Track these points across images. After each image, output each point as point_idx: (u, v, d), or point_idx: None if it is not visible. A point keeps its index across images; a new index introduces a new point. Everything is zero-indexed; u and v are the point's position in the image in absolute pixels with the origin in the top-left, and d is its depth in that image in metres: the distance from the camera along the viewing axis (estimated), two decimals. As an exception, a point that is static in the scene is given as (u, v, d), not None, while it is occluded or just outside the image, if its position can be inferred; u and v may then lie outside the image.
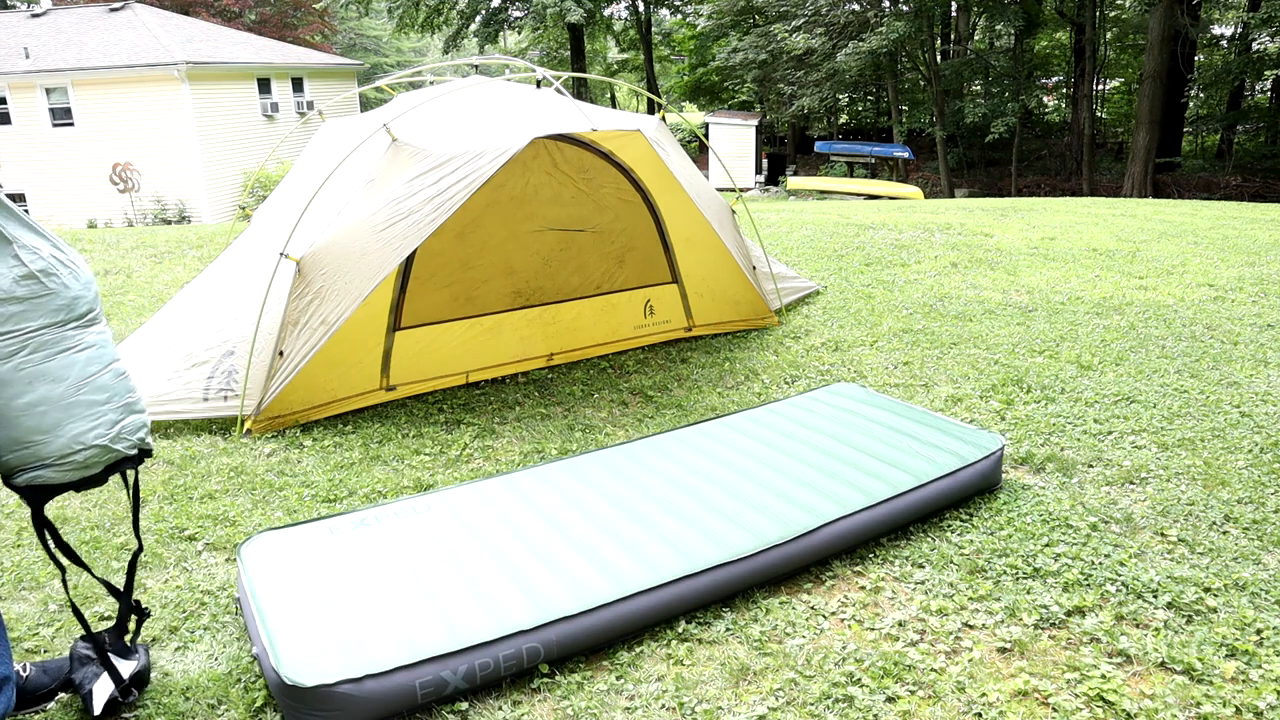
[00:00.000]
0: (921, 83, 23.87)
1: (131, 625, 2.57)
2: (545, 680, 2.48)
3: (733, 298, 5.70)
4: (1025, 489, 3.53)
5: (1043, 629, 2.66)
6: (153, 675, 2.50)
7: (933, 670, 2.48)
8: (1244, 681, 2.41)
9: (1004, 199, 15.01)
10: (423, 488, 3.67)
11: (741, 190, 19.16)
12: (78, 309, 2.03)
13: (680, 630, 2.67)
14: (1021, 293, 6.59)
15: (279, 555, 2.80)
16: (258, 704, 2.39)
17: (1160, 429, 4.08)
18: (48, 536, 2.18)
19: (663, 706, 2.37)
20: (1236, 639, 2.58)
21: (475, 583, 2.65)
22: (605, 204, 5.21)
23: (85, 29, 21.48)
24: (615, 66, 36.78)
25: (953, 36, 25.60)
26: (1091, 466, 3.73)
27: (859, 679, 2.45)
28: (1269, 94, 23.96)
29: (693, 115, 32.45)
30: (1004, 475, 3.64)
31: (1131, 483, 3.58)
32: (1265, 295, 6.40)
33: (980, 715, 2.32)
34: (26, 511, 3.33)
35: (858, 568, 3.01)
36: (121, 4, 22.85)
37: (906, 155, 22.41)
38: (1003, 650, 2.57)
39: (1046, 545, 3.10)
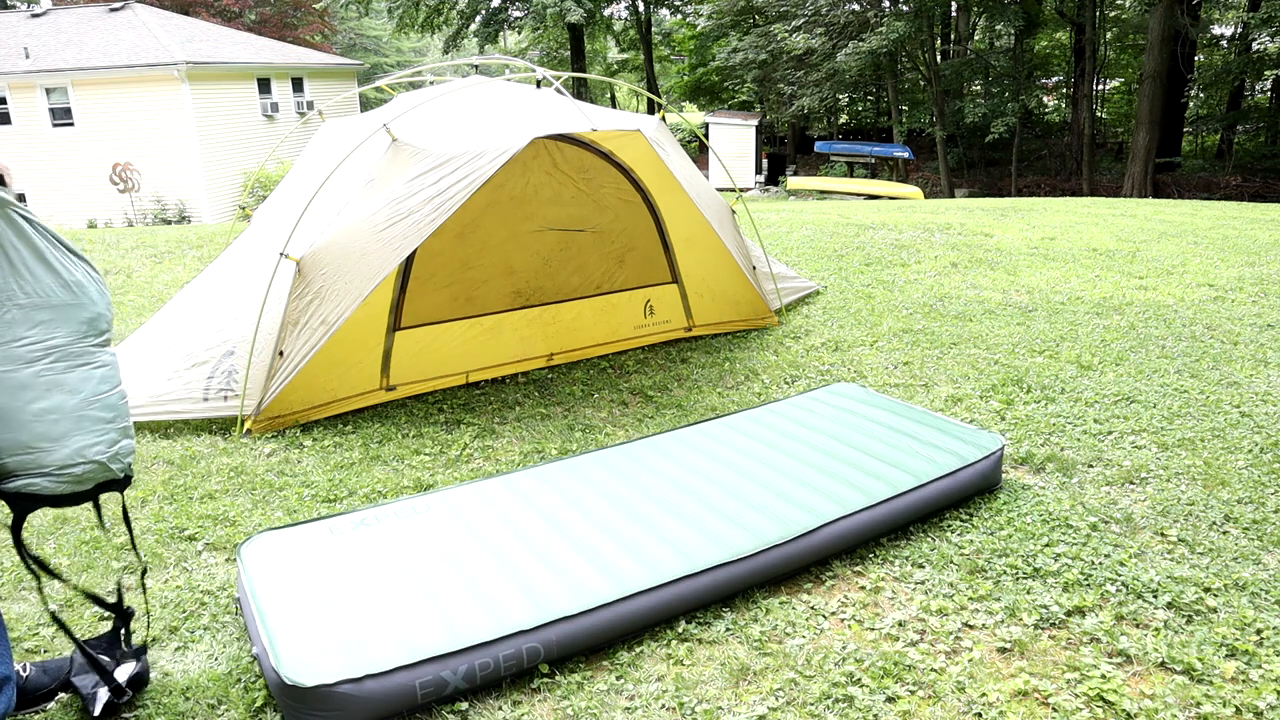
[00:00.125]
0: (921, 83, 23.87)
1: (132, 626, 2.57)
2: (545, 680, 2.48)
3: (733, 298, 5.70)
4: (1025, 489, 3.53)
5: (1043, 629, 2.66)
6: (153, 675, 2.50)
7: (933, 670, 2.48)
8: (1244, 681, 2.41)
9: (1004, 199, 15.01)
10: (423, 488, 3.67)
11: (741, 190, 19.16)
12: (99, 325, 2.11)
13: (680, 630, 2.67)
14: (1021, 293, 6.59)
15: (279, 555, 2.80)
16: (258, 704, 2.39)
17: (1160, 429, 4.08)
18: (22, 547, 2.20)
19: (663, 706, 2.37)
20: (1236, 639, 2.58)
21: (475, 583, 2.65)
22: (605, 204, 5.21)
23: (85, 29, 21.47)
24: (615, 66, 36.78)
25: (953, 36, 25.60)
26: (1091, 466, 3.73)
27: (859, 679, 2.45)
28: (1269, 94, 23.97)
29: (693, 115, 32.46)
30: (1004, 475, 3.64)
31: (1131, 483, 3.58)
32: (1265, 295, 6.40)
33: (980, 715, 2.32)
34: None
35: (858, 568, 3.01)
36: (121, 4, 22.85)
37: (906, 155, 22.41)
38: (1003, 650, 2.57)
39: (1046, 545, 3.10)
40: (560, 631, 2.49)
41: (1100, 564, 2.98)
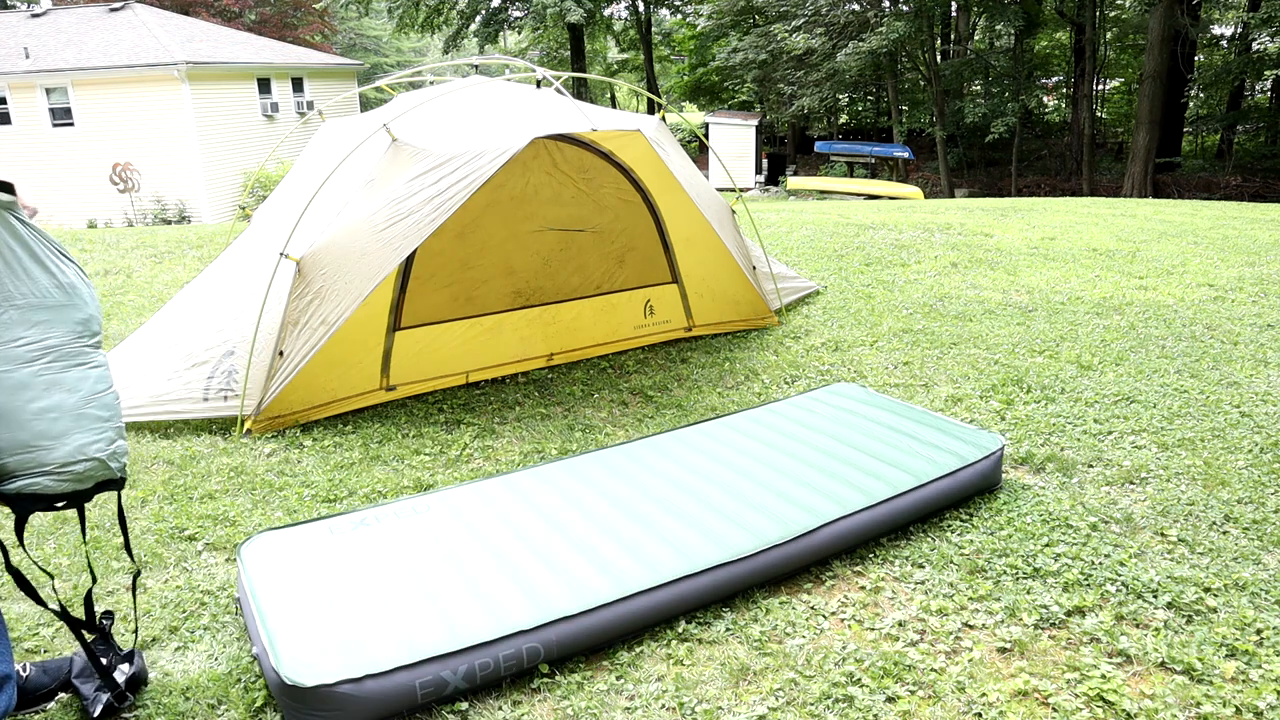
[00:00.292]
0: (921, 83, 23.87)
1: (127, 628, 2.57)
2: (545, 680, 2.48)
3: (733, 298, 5.70)
4: (1025, 489, 3.53)
5: (1043, 629, 2.66)
6: (153, 675, 2.50)
7: (933, 670, 2.48)
8: (1244, 681, 2.41)
9: (1004, 199, 15.01)
10: (423, 488, 3.67)
11: (741, 190, 19.16)
12: (92, 326, 2.14)
13: (680, 630, 2.67)
14: (1021, 293, 6.59)
15: (279, 555, 2.80)
16: (258, 704, 2.39)
17: (1160, 429, 4.08)
18: (25, 548, 2.22)
19: (663, 706, 2.37)
20: (1236, 639, 2.58)
21: (475, 583, 2.65)
22: (605, 204, 5.21)
23: (85, 29, 21.47)
24: (615, 66, 36.78)
25: (953, 36, 25.59)
26: (1091, 466, 3.73)
27: (859, 679, 2.45)
28: (1269, 94, 23.96)
29: (693, 115, 32.45)
30: (1004, 475, 3.64)
31: (1131, 483, 3.58)
32: (1265, 295, 6.40)
33: (980, 715, 2.32)
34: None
35: (858, 568, 3.01)
36: (121, 4, 22.84)
37: (906, 155, 22.40)
38: (1003, 650, 2.57)
39: (1046, 545, 3.10)
40: (560, 631, 2.49)
41: (1100, 564, 2.98)
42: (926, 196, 19.56)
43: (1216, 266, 7.38)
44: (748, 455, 3.52)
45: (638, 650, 2.59)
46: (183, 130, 19.99)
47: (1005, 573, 2.95)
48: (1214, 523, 3.25)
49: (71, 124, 20.05)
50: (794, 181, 22.22)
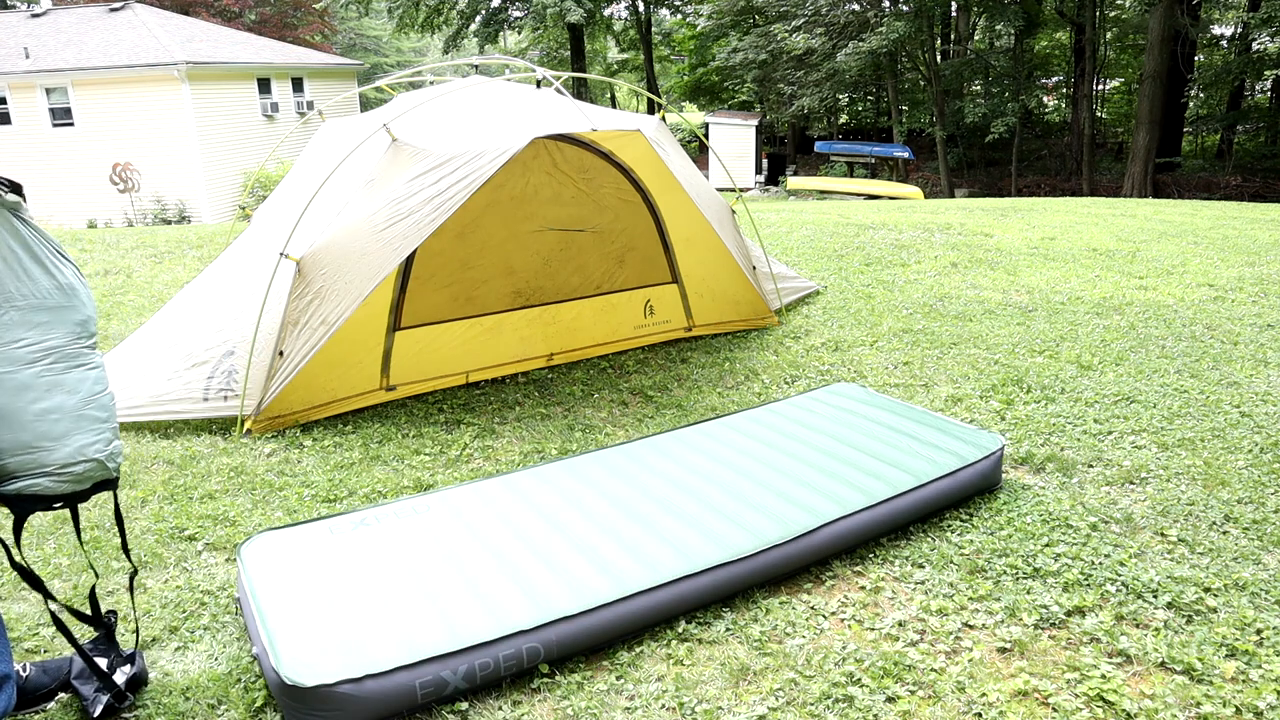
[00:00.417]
0: (921, 83, 23.86)
1: (127, 629, 2.57)
2: (545, 680, 2.48)
3: (733, 298, 5.70)
4: (1025, 489, 3.53)
5: (1043, 629, 2.66)
6: (153, 675, 2.50)
7: (933, 670, 2.48)
8: (1244, 681, 2.41)
9: (1004, 199, 15.01)
10: (423, 488, 3.67)
11: (741, 190, 19.16)
12: (89, 328, 2.15)
13: (680, 630, 2.67)
14: (1021, 293, 6.59)
15: (279, 555, 2.80)
16: (258, 704, 2.39)
17: (1160, 429, 4.08)
18: (21, 549, 2.22)
19: (663, 706, 2.37)
20: (1236, 639, 2.58)
21: (475, 583, 2.65)
22: (605, 204, 5.21)
23: (85, 29, 21.47)
24: (615, 66, 36.78)
25: (953, 36, 25.59)
26: (1091, 466, 3.73)
27: (859, 679, 2.45)
28: (1269, 94, 23.96)
29: (693, 115, 32.45)
30: (1004, 475, 3.64)
31: (1131, 483, 3.58)
32: (1265, 295, 6.40)
33: (980, 715, 2.32)
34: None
35: (858, 568, 3.01)
36: (121, 4, 22.84)
37: (906, 155, 22.40)
38: (1003, 650, 2.57)
39: (1046, 545, 3.10)
40: (560, 631, 2.49)
41: (1100, 564, 2.98)
42: (926, 196, 19.56)
43: (1216, 266, 7.38)
44: (748, 455, 3.52)
45: (638, 650, 2.59)
46: (183, 130, 19.99)
47: (1005, 573, 2.95)
48: (1214, 523, 3.25)
49: (71, 124, 20.05)
50: (794, 181, 22.22)
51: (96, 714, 2.29)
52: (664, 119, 5.28)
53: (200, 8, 30.72)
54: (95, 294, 6.94)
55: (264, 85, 22.68)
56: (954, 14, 24.27)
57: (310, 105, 24.31)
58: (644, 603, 2.62)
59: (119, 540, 3.22)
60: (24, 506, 2.09)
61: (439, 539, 2.91)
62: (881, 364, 5.11)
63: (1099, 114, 24.82)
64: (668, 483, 3.29)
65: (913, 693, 2.40)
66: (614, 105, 37.84)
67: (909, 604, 2.80)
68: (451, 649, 2.36)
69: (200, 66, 19.88)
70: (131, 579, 2.52)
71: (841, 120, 28.87)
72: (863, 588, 2.89)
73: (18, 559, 2.27)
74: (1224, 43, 23.04)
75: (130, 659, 2.42)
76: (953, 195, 21.46)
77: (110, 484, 2.19)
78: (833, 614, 2.76)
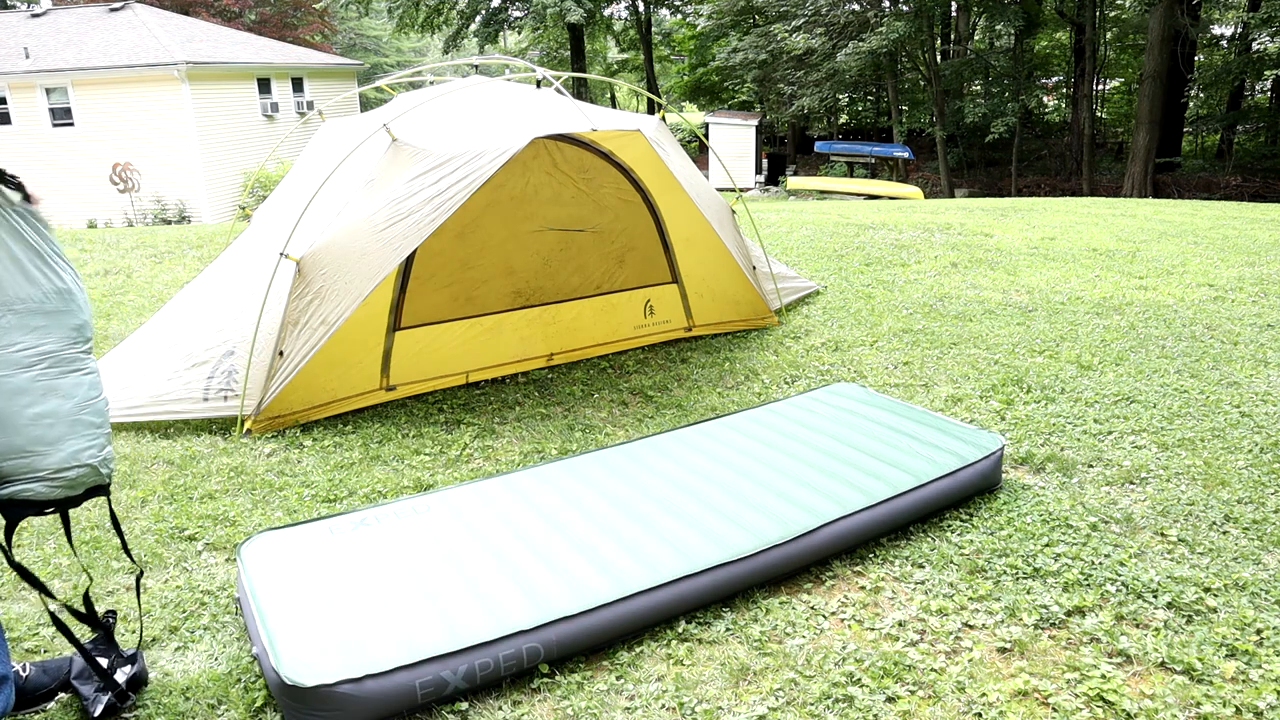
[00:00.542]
0: (921, 83, 23.86)
1: (130, 628, 2.56)
2: (545, 680, 2.48)
3: (733, 298, 5.70)
4: (1025, 489, 3.53)
5: (1043, 629, 2.66)
6: (153, 675, 2.50)
7: (933, 670, 2.48)
8: (1244, 681, 2.41)
9: (1004, 199, 15.01)
10: (423, 488, 3.67)
11: (741, 190, 19.15)
12: (85, 333, 2.14)
13: (680, 630, 2.67)
14: (1021, 293, 6.59)
15: (279, 555, 2.80)
16: (258, 704, 2.39)
17: (1160, 429, 4.08)
18: (11, 552, 2.21)
19: (663, 706, 2.37)
20: (1236, 639, 2.58)
21: (475, 583, 2.65)
22: (605, 204, 5.21)
23: (85, 29, 21.46)
24: (615, 66, 36.78)
25: (953, 36, 25.59)
26: (1091, 466, 3.73)
27: (859, 679, 2.45)
28: (1269, 94, 23.96)
29: (693, 115, 32.45)
30: (1004, 475, 3.64)
31: (1131, 483, 3.58)
32: (1265, 295, 6.40)
33: (980, 715, 2.32)
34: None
35: (858, 568, 3.01)
36: (121, 4, 22.84)
37: (906, 155, 22.40)
38: (1003, 650, 2.57)
39: (1046, 545, 3.10)
40: (560, 631, 2.49)
41: (1100, 564, 2.98)
42: (926, 196, 19.56)
43: (1216, 266, 7.38)
44: (748, 455, 3.52)
45: (638, 650, 2.59)
46: (183, 130, 19.98)
47: (1005, 573, 2.95)
48: (1214, 523, 3.25)
49: (71, 124, 20.05)
50: (794, 181, 22.21)
51: (97, 714, 2.29)
52: (664, 119, 5.28)
53: (200, 8, 30.71)
54: (95, 294, 6.94)
55: (264, 85, 22.68)
56: (954, 14, 24.26)
57: (310, 105, 24.31)
58: (644, 603, 2.62)
59: (118, 541, 3.22)
60: (15, 511, 2.08)
61: (439, 539, 2.91)
62: (881, 364, 5.11)
63: (1099, 114, 24.82)
64: (668, 483, 3.29)
65: (913, 693, 2.40)
66: (614, 105, 37.84)
67: (909, 604, 2.80)
68: (451, 649, 2.36)
69: (200, 66, 19.88)
70: (138, 580, 2.52)
71: (841, 120, 28.87)
72: (863, 588, 2.89)
73: (15, 560, 2.26)
74: (1224, 43, 23.04)
75: (131, 659, 2.42)
76: (953, 195, 21.46)
77: (102, 489, 2.18)
78: (833, 614, 2.76)
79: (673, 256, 5.49)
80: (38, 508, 2.09)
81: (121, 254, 8.68)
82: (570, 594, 2.59)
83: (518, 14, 30.01)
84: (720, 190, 6.65)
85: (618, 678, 2.49)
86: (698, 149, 25.18)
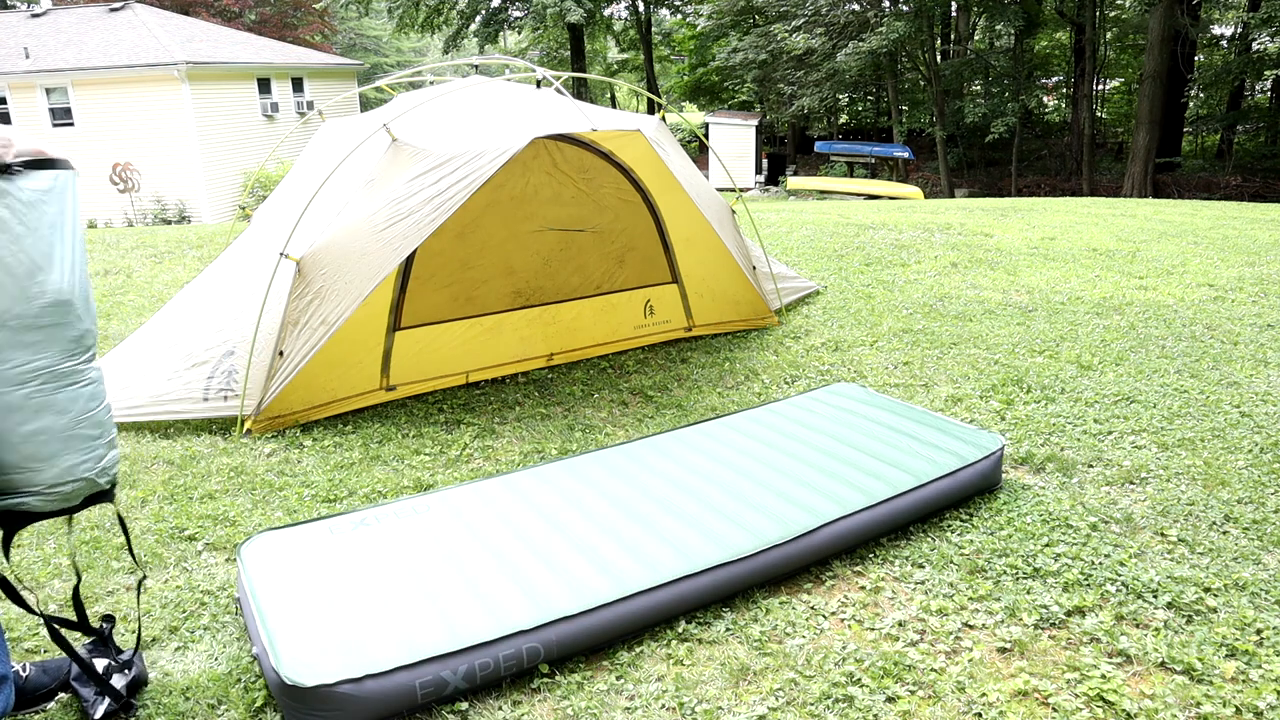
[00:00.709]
0: (921, 83, 23.87)
1: (129, 630, 2.56)
2: (545, 680, 2.48)
3: (733, 298, 5.70)
4: (1025, 489, 3.53)
5: (1043, 629, 2.66)
6: (153, 675, 2.50)
7: (933, 670, 2.48)
8: (1244, 681, 2.41)
9: (1004, 199, 15.01)
10: (423, 488, 3.67)
11: (741, 190, 19.16)
12: (85, 341, 2.05)
13: (680, 630, 2.67)
14: (1021, 293, 6.59)
15: (279, 555, 2.80)
16: (258, 704, 2.39)
17: (1160, 429, 4.08)
18: (9, 559, 2.20)
19: (663, 706, 2.37)
20: (1236, 639, 2.58)
21: (475, 583, 2.65)
22: (605, 204, 5.21)
23: (85, 29, 21.47)
24: (615, 66, 36.78)
25: (953, 36, 25.59)
26: (1091, 466, 3.73)
27: (859, 679, 2.45)
28: (1269, 94, 23.96)
29: (693, 115, 32.45)
30: (1004, 475, 3.64)
31: (1131, 483, 3.58)
32: (1265, 295, 6.40)
33: (980, 715, 2.32)
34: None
35: (858, 568, 3.01)
36: (121, 4, 22.84)
37: (906, 155, 22.40)
38: (1003, 650, 2.57)
39: (1046, 545, 3.10)
40: (560, 631, 2.49)
41: (1100, 564, 2.98)
42: (926, 196, 19.56)
43: (1216, 266, 7.38)
44: (748, 455, 3.52)
45: (638, 650, 2.59)
46: (183, 130, 19.99)
47: (1005, 573, 2.95)
48: (1214, 523, 3.25)
49: (71, 124, 20.05)
50: (794, 181, 22.22)
51: (97, 715, 2.29)
52: (664, 119, 5.28)
53: (200, 8, 30.71)
54: (95, 294, 6.93)
55: (264, 85, 22.69)
56: (954, 14, 24.27)
57: (310, 105, 24.32)
58: (644, 603, 2.62)
59: (118, 540, 3.22)
60: (11, 522, 2.06)
61: (439, 539, 2.91)
62: (881, 364, 5.11)
63: (1099, 114, 24.82)
64: (668, 483, 3.29)
65: (913, 693, 2.40)
66: (614, 105, 37.84)
67: (909, 604, 2.80)
68: (451, 649, 2.36)
69: (200, 66, 19.88)
70: (139, 584, 2.51)
71: (841, 120, 28.87)
72: (863, 588, 2.89)
73: (4, 572, 2.25)
74: (1224, 43, 23.04)
75: (128, 665, 2.42)
76: (953, 195, 21.46)
77: (104, 496, 2.15)
78: (833, 614, 2.76)
79: (673, 256, 5.49)
80: (34, 519, 2.07)
81: (121, 254, 8.69)
82: (570, 594, 2.59)
83: (518, 14, 30.02)
84: (720, 190, 6.66)
85: (618, 678, 2.49)
86: (698, 149, 25.18)
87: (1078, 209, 11.39)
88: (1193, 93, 22.68)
